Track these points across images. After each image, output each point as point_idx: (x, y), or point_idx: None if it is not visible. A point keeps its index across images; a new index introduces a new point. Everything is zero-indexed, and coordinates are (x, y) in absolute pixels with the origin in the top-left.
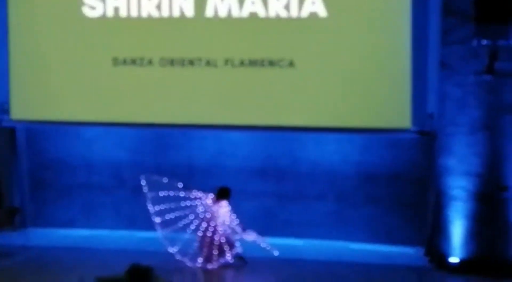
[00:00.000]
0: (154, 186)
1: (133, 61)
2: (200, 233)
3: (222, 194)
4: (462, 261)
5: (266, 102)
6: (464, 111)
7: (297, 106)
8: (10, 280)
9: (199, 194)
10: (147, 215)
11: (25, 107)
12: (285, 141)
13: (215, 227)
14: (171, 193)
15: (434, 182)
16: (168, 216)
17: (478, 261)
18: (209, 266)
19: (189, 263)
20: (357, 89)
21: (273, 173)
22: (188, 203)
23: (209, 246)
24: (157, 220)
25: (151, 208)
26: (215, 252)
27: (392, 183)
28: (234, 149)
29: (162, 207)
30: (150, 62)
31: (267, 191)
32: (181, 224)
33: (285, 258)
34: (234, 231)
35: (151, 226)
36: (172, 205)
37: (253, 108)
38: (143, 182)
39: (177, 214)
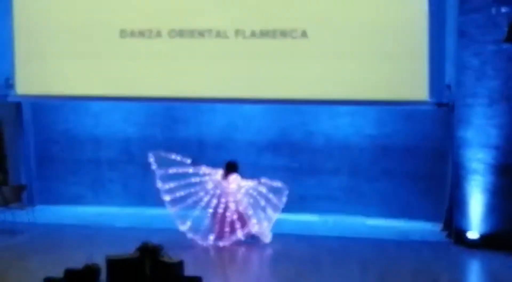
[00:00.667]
0: (163, 163)
1: (141, 33)
2: (211, 210)
3: (230, 168)
4: (481, 237)
5: (278, 74)
6: (482, 82)
7: (310, 78)
8: (18, 258)
9: (208, 170)
10: (157, 192)
11: (30, 82)
12: (298, 113)
13: (226, 203)
14: (180, 170)
15: (452, 155)
16: (178, 193)
17: (498, 236)
18: (221, 243)
19: (200, 241)
20: (372, 60)
21: (286, 146)
22: (197, 179)
23: (220, 222)
24: (167, 198)
25: (160, 185)
26: (227, 229)
27: (409, 156)
28: (246, 122)
29: (172, 184)
30: (158, 34)
31: (280, 165)
32: (191, 201)
33: (299, 234)
34: (246, 207)
35: (161, 203)
36: (182, 182)
37: (265, 81)
38: (151, 159)
39: (187, 191)
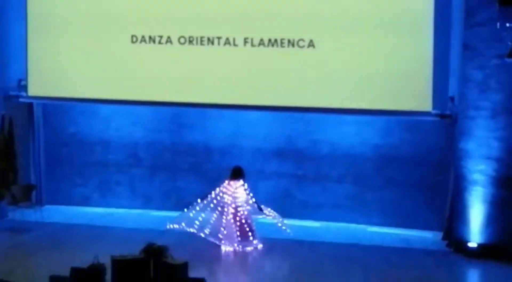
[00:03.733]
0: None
1: (152, 39)
2: (220, 214)
3: (235, 174)
4: (481, 246)
5: (285, 82)
6: (485, 95)
7: (317, 87)
8: (25, 256)
9: (218, 189)
10: (163, 194)
11: (42, 84)
12: (304, 121)
13: (235, 208)
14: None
15: (454, 166)
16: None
17: (497, 246)
18: (228, 246)
19: (207, 243)
20: (377, 71)
21: (291, 154)
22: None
23: (228, 227)
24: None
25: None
26: (234, 233)
27: (412, 166)
28: (252, 129)
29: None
30: (168, 40)
31: (285, 172)
32: (201, 204)
33: (302, 240)
34: (253, 211)
35: (166, 205)
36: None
37: (272, 88)
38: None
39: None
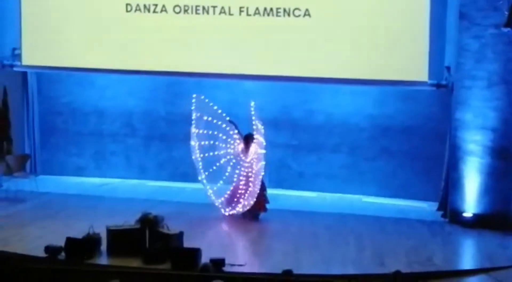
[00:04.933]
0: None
1: (146, 8)
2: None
3: (247, 137)
4: (476, 216)
5: (280, 52)
6: (481, 65)
7: (312, 57)
8: (20, 225)
9: (237, 136)
10: (158, 164)
11: (36, 53)
12: (299, 91)
13: (245, 176)
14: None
15: (450, 136)
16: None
17: (492, 216)
18: (227, 212)
19: (204, 213)
20: (373, 41)
21: (287, 124)
22: (224, 135)
23: (232, 192)
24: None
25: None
26: (235, 199)
27: (407, 136)
28: (247, 99)
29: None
30: (163, 9)
31: (280, 142)
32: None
33: (298, 210)
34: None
35: (161, 175)
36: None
37: (267, 58)
38: (193, 100)
39: (212, 140)
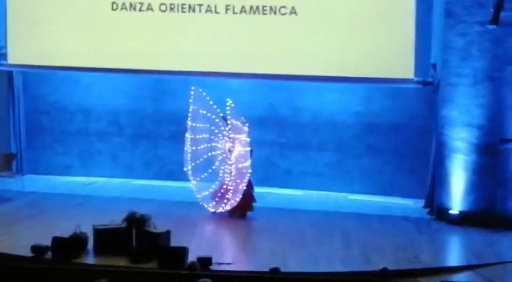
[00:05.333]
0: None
1: (132, 6)
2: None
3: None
4: (462, 213)
5: (267, 50)
6: (467, 62)
7: (298, 54)
8: (6, 225)
9: (227, 133)
10: (144, 163)
11: (22, 52)
12: (285, 89)
13: (230, 172)
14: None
15: (436, 133)
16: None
17: (478, 213)
18: (215, 210)
19: (190, 211)
20: (359, 38)
21: (274, 122)
22: (216, 130)
23: (222, 190)
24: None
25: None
26: (226, 196)
27: (393, 133)
28: (234, 97)
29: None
30: (149, 7)
31: (267, 140)
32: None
33: (284, 208)
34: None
35: (148, 174)
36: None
37: (254, 56)
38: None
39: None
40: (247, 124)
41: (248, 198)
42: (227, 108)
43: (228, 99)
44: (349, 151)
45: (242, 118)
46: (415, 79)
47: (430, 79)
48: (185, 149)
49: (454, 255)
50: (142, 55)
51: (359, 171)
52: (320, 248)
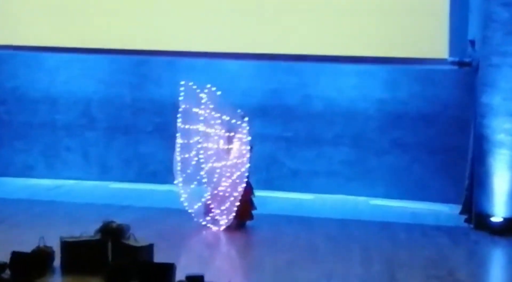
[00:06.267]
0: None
1: None
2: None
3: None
4: (506, 221)
5: (270, 25)
6: None
7: (309, 30)
8: None
9: (220, 132)
10: (122, 162)
11: None
12: (293, 73)
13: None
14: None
15: (475, 125)
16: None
17: None
18: (206, 222)
19: (176, 219)
20: (381, 11)
21: (279, 112)
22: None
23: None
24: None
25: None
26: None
27: (423, 125)
28: (230, 82)
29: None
30: None
31: (270, 134)
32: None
33: (292, 216)
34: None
35: (127, 176)
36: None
37: (254, 33)
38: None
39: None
40: (246, 119)
41: (246, 204)
42: (204, 96)
43: (208, 85)
44: (370, 147)
45: (239, 111)
46: (450, 59)
47: (467, 59)
48: (175, 156)
49: (496, 272)
50: (117, 32)
51: (382, 170)
52: (335, 264)
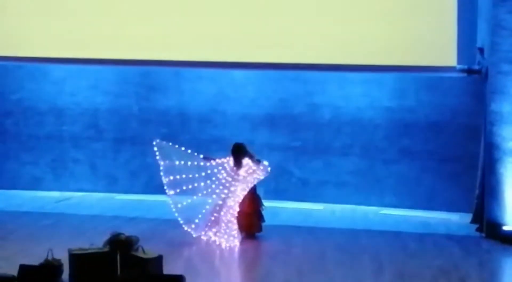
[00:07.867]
0: (167, 154)
1: None
2: (216, 204)
3: (234, 151)
4: None
5: (277, 34)
6: None
7: (315, 39)
8: None
9: (220, 160)
10: (130, 173)
11: None
12: (300, 82)
13: (234, 195)
14: (189, 162)
15: (485, 133)
16: (185, 187)
17: None
18: (210, 237)
19: (186, 231)
20: (389, 19)
21: (286, 121)
22: (208, 171)
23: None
24: (171, 192)
25: (164, 179)
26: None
27: (432, 134)
28: (237, 91)
29: (178, 176)
30: None
31: (278, 143)
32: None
33: (301, 226)
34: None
35: (134, 187)
36: (189, 174)
37: (261, 42)
38: (155, 148)
39: (195, 183)
40: (265, 163)
41: (255, 216)
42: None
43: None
44: (379, 156)
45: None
46: (458, 66)
47: (476, 67)
48: (174, 209)
49: (509, 281)
50: (125, 43)
51: (392, 179)
52: (345, 275)
